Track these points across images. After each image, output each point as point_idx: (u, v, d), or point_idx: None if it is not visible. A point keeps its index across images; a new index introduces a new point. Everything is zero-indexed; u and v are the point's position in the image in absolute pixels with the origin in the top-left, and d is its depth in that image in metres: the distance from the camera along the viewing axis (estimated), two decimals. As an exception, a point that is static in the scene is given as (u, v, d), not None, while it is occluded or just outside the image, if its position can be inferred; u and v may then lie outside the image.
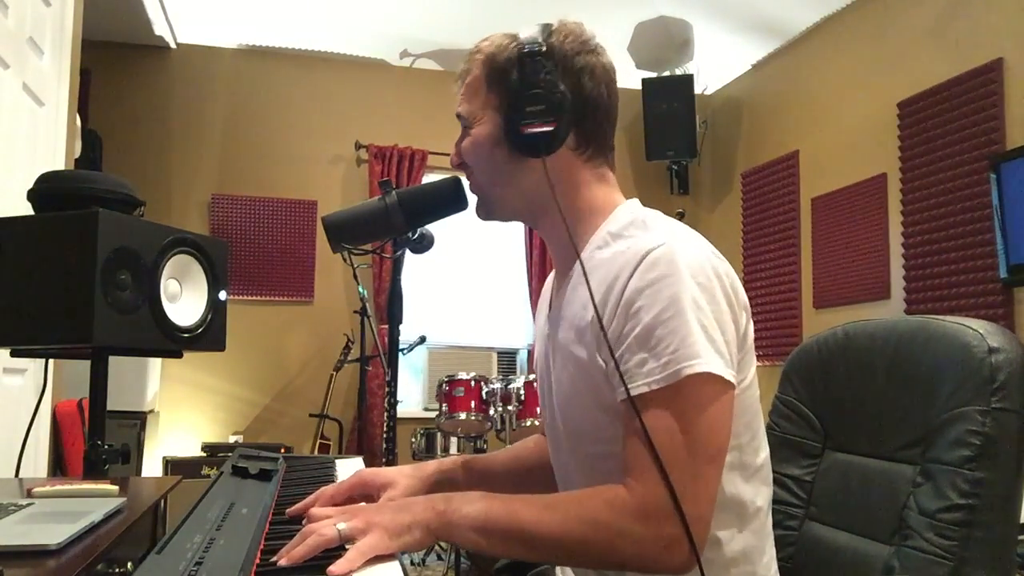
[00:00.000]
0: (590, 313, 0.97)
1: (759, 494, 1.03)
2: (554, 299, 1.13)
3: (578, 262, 1.01)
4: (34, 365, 2.33)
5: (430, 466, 1.17)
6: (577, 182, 1.05)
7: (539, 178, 1.02)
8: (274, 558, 0.78)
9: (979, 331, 1.03)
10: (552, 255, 1.14)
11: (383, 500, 1.01)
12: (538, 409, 1.26)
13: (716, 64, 5.10)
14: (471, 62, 1.08)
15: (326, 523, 0.81)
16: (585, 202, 1.05)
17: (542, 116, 0.99)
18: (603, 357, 0.95)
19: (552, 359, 1.09)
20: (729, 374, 0.90)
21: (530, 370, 5.11)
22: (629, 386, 0.89)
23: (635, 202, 1.08)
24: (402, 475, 1.10)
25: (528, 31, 1.03)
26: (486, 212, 1.13)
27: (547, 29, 1.03)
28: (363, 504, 0.91)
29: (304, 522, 0.86)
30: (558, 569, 1.16)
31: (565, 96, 1.00)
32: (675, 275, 0.90)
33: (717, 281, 0.93)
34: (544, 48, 1.01)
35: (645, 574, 0.88)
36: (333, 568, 0.74)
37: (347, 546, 0.80)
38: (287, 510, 0.96)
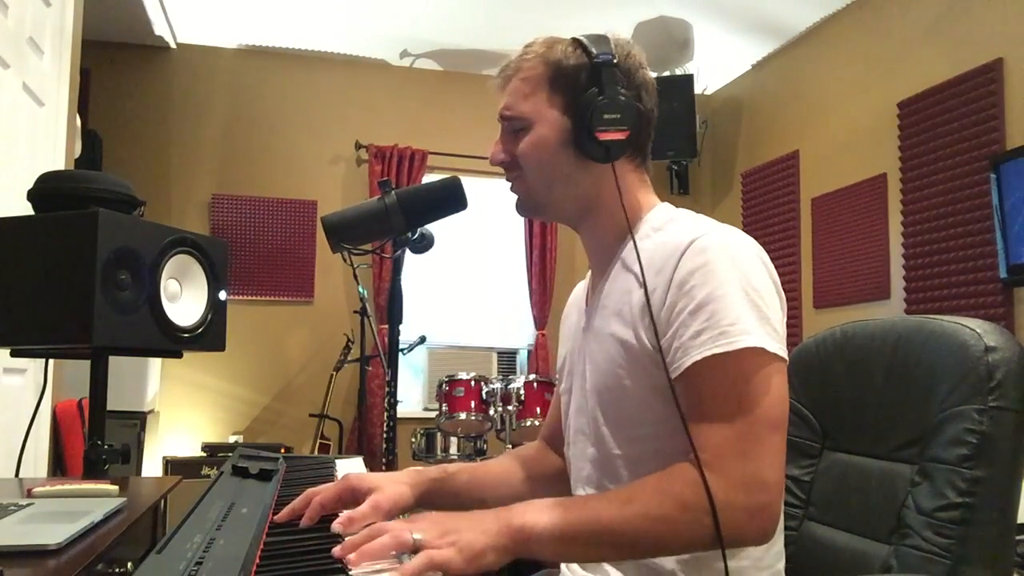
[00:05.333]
0: (637, 296, 1.00)
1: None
2: (590, 298, 1.16)
3: (621, 253, 1.08)
4: (34, 365, 2.33)
5: (425, 472, 1.15)
6: (626, 185, 1.10)
7: (595, 182, 1.08)
8: (336, 550, 0.77)
9: (976, 330, 1.03)
10: (590, 256, 1.17)
11: (370, 501, 0.97)
12: (564, 412, 1.26)
13: (716, 64, 5.10)
14: (524, 60, 1.10)
15: (402, 528, 0.80)
16: (631, 203, 1.10)
17: (617, 124, 1.04)
18: (651, 338, 0.97)
19: (586, 350, 1.11)
20: (782, 351, 0.92)
21: (531, 370, 5.11)
22: (685, 358, 0.92)
23: (668, 204, 1.14)
24: (390, 480, 1.06)
25: (593, 41, 1.07)
26: (533, 211, 1.17)
27: (607, 41, 1.07)
28: (435, 513, 0.87)
29: (334, 525, 0.86)
30: (564, 567, 1.15)
31: (633, 108, 1.06)
32: (724, 260, 0.94)
33: (764, 267, 0.97)
34: (616, 61, 1.06)
35: (734, 547, 0.88)
36: (405, 568, 0.74)
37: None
38: (276, 516, 0.95)
